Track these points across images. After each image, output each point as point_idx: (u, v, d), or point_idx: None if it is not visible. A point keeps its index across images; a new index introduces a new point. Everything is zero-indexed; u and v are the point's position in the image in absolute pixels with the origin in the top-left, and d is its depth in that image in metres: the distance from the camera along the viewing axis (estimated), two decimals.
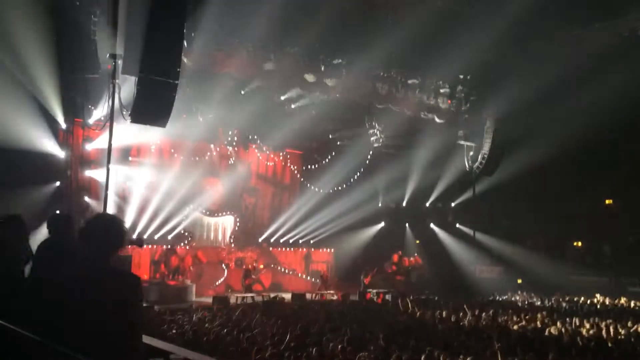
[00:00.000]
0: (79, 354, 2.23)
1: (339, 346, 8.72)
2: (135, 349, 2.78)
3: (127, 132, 16.52)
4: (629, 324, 13.28)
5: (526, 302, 19.34)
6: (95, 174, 17.42)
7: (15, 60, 13.44)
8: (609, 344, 10.23)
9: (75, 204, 16.79)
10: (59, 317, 2.65)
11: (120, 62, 12.78)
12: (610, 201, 27.05)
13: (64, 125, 16.45)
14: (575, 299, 20.33)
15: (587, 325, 12.81)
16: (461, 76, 20.19)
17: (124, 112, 13.07)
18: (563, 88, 19.30)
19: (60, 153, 16.45)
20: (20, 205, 13.44)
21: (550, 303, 19.22)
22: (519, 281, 23.61)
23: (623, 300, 20.00)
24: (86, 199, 17.44)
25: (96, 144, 17.27)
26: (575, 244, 26.34)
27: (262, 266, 21.74)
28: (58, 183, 16.40)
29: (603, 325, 12.82)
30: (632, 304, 18.91)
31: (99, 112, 16.35)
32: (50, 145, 15.90)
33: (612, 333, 11.75)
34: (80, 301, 2.72)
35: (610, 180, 25.72)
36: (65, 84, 15.24)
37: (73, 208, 16.23)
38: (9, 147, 13.60)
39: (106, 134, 13.43)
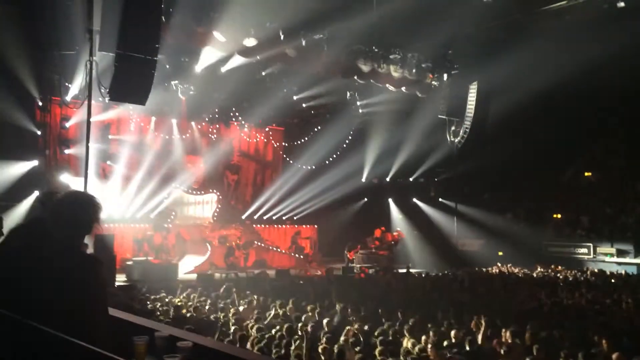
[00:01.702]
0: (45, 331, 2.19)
1: (325, 320, 8.81)
2: (96, 328, 2.72)
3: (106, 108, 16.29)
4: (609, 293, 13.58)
5: (508, 274, 19.67)
6: (75, 152, 17.18)
7: None
8: (588, 313, 10.45)
9: (54, 183, 16.57)
10: (23, 296, 2.59)
11: (97, 38, 12.52)
12: (589, 174, 27.43)
13: (40, 104, 16.15)
14: (558, 269, 20.74)
15: (567, 295, 13.08)
16: (443, 50, 20.12)
17: (102, 90, 12.84)
18: (545, 61, 19.37)
19: (37, 132, 16.17)
20: None
21: (530, 274, 19.57)
22: (500, 253, 23.95)
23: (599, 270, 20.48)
24: (66, 177, 17.20)
25: (74, 122, 16.98)
26: (555, 216, 26.70)
27: (241, 243, 21.60)
28: (36, 162, 16.15)
29: (583, 294, 13.10)
30: (608, 273, 19.33)
31: (76, 88, 16.04)
32: (26, 124, 15.61)
33: (591, 302, 12.01)
34: (41, 281, 2.66)
35: (590, 152, 26.07)
36: (40, 61, 14.91)
37: (52, 187, 16.01)
38: None
39: (84, 110, 13.19)
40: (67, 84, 16.12)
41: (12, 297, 2.56)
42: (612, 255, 22.77)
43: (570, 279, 17.83)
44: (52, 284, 2.65)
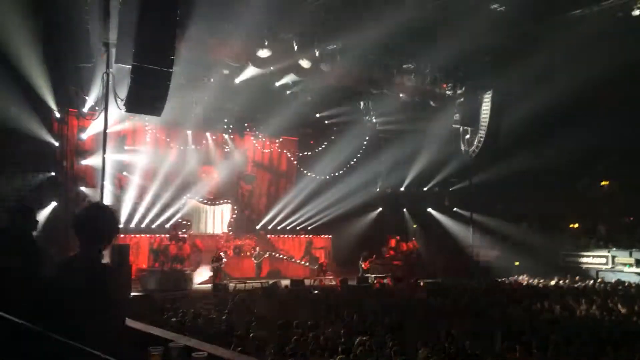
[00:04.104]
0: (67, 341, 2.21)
1: (342, 331, 8.78)
2: (116, 336, 2.75)
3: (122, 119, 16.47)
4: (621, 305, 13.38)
5: (524, 285, 19.47)
6: (91, 163, 17.37)
7: (7, 50, 13.34)
8: (605, 323, 10.32)
9: (71, 194, 16.77)
10: (50, 308, 2.63)
11: (113, 50, 12.70)
12: (607, 182, 27.09)
13: (58, 115, 16.38)
14: (575, 279, 20.48)
15: (584, 306, 12.91)
16: (456, 60, 20.06)
17: (118, 101, 13.00)
18: (558, 70, 19.25)
19: (55, 143, 16.39)
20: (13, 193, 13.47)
21: (547, 284, 19.34)
22: (517, 263, 23.71)
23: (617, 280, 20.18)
24: (82, 188, 17.39)
25: (90, 133, 17.20)
26: (571, 225, 26.39)
27: (255, 253, 21.51)
28: (53, 173, 16.35)
29: (600, 305, 12.92)
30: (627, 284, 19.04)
31: (92, 100, 16.27)
32: (44, 135, 15.84)
33: (608, 313, 11.84)
34: (68, 292, 2.70)
35: (607, 161, 25.73)
36: (58, 74, 15.14)
37: (69, 198, 16.21)
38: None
39: (100, 122, 13.36)
40: (84, 96, 16.37)
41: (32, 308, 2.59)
42: (630, 265, 22.43)
43: (588, 289, 17.60)
44: (71, 293, 2.70)
